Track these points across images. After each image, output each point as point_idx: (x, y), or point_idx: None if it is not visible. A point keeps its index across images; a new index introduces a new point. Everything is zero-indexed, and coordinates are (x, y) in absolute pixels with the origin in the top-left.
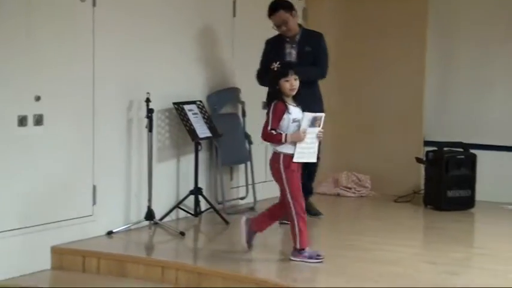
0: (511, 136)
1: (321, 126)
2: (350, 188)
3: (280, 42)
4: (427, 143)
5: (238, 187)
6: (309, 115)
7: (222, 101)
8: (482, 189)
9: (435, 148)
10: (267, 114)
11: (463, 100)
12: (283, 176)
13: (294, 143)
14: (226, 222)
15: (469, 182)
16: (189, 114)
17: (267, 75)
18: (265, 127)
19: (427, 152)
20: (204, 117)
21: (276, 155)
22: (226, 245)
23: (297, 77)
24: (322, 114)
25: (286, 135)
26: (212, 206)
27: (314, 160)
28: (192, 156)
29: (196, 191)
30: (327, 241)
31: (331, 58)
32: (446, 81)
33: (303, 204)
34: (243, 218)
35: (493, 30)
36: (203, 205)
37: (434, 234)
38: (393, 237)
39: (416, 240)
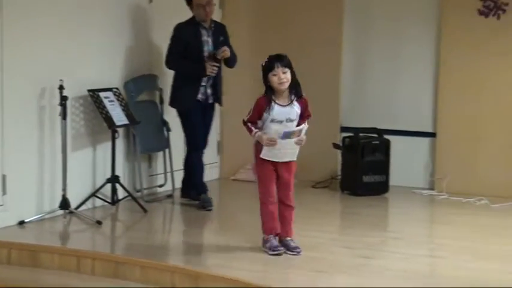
0: (422, 122)
1: (301, 135)
2: None
3: (195, 29)
4: (343, 129)
5: (156, 175)
6: (284, 132)
7: (139, 88)
8: (396, 174)
9: (351, 134)
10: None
11: (377, 87)
12: (254, 162)
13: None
14: (145, 210)
15: (384, 167)
16: (105, 101)
17: (181, 61)
18: (247, 115)
19: (344, 137)
20: (121, 105)
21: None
22: (144, 233)
23: (286, 70)
24: (302, 127)
25: (256, 132)
26: (130, 194)
27: (289, 159)
28: (108, 144)
29: (114, 179)
30: (245, 228)
31: (247, 46)
32: (362, 70)
33: (272, 192)
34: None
35: (404, 24)
36: (121, 193)
37: (351, 219)
38: (311, 223)
39: (333, 225)
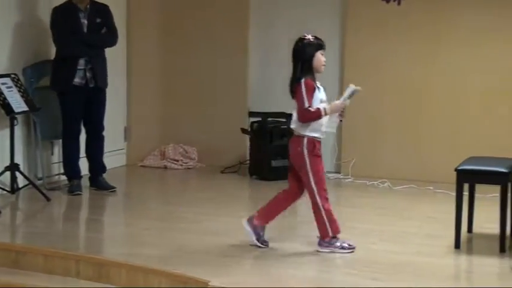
0: None
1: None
2: (177, 161)
3: (72, 11)
4: (251, 114)
5: (59, 162)
6: (352, 88)
7: (38, 74)
8: None
9: (260, 119)
10: (296, 94)
11: (284, 71)
12: (307, 162)
13: (319, 125)
14: (48, 199)
15: None
16: (3, 87)
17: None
18: (300, 107)
19: (252, 122)
20: (19, 91)
21: (298, 139)
22: (46, 222)
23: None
24: (359, 88)
25: (324, 108)
26: (31, 182)
27: (334, 131)
28: (7, 131)
29: (13, 167)
30: (155, 214)
31: (154, 31)
32: (269, 55)
33: (327, 191)
34: (244, 220)
35: (310, 10)
36: (21, 181)
37: (260, 203)
38: (221, 208)
39: (243, 210)
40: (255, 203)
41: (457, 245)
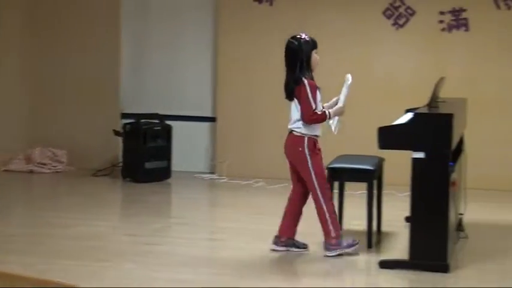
0: (202, 107)
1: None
2: (45, 164)
3: None
4: (124, 116)
5: None
6: (348, 83)
7: None
8: (178, 160)
9: (133, 120)
10: (300, 95)
11: (157, 74)
12: (309, 160)
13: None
14: None
15: (166, 153)
16: None
17: None
18: (307, 110)
19: (125, 124)
20: None
21: (298, 138)
22: None
23: None
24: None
25: (329, 112)
26: None
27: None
28: None
29: None
30: (21, 220)
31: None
32: (141, 57)
33: (330, 188)
34: (272, 247)
35: (182, 10)
36: None
37: (134, 206)
38: (92, 212)
39: (116, 213)
40: (128, 205)
41: None
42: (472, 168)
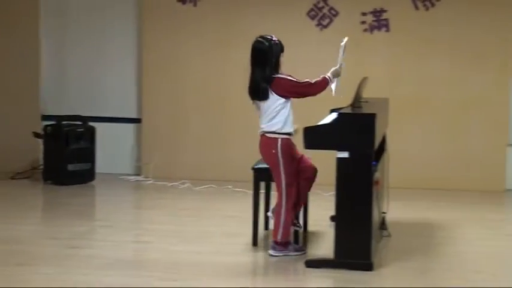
0: (127, 108)
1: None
2: None
3: None
4: (45, 118)
5: None
6: (343, 44)
7: None
8: (102, 162)
9: (54, 122)
10: (281, 87)
11: (80, 75)
12: (281, 162)
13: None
14: None
15: (89, 154)
16: None
17: None
18: (303, 85)
19: (46, 126)
20: None
21: (271, 140)
22: None
23: None
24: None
25: (329, 76)
26: None
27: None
28: None
29: None
30: None
31: None
32: (63, 58)
33: (295, 194)
34: (270, 252)
35: (106, 11)
36: None
37: (56, 209)
38: (11, 216)
39: (37, 217)
40: (50, 208)
41: (255, 243)
42: (394, 167)
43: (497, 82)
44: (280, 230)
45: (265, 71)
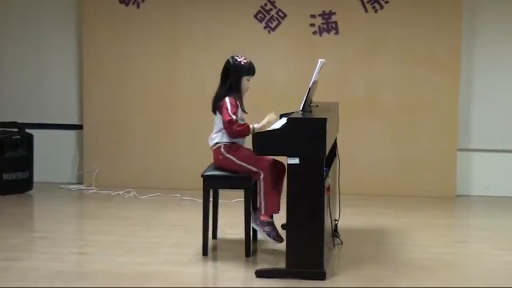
0: (68, 114)
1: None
2: None
3: None
4: None
5: None
6: (320, 64)
7: None
8: (41, 170)
9: None
10: (223, 106)
11: (16, 81)
12: (233, 159)
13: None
14: None
15: (27, 163)
16: None
17: None
18: (227, 119)
19: None
20: None
21: (216, 150)
22: None
23: None
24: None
25: (253, 126)
26: None
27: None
28: None
29: None
30: None
31: None
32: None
33: (267, 164)
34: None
35: (44, 14)
36: None
37: None
38: None
39: None
40: None
41: (205, 252)
42: (344, 172)
43: (447, 84)
44: (264, 207)
45: (221, 89)
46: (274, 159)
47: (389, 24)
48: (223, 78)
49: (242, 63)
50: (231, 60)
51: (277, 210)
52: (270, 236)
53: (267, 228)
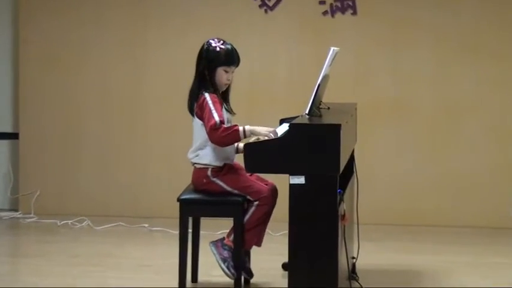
0: None
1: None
2: None
3: None
4: None
5: None
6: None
7: None
8: None
9: None
10: (200, 108)
11: None
12: (220, 183)
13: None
14: None
15: None
16: None
17: None
18: (209, 123)
19: None
20: None
21: (201, 171)
22: None
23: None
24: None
25: (244, 127)
26: None
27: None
28: None
29: None
30: None
31: None
32: None
33: (266, 194)
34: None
35: None
36: None
37: None
38: None
39: None
40: None
41: None
42: (364, 195)
43: (502, 79)
44: (232, 237)
45: (193, 83)
46: (274, 186)
47: (424, 1)
48: (196, 68)
49: (217, 49)
50: (205, 45)
51: (259, 245)
52: (225, 265)
53: (226, 254)
